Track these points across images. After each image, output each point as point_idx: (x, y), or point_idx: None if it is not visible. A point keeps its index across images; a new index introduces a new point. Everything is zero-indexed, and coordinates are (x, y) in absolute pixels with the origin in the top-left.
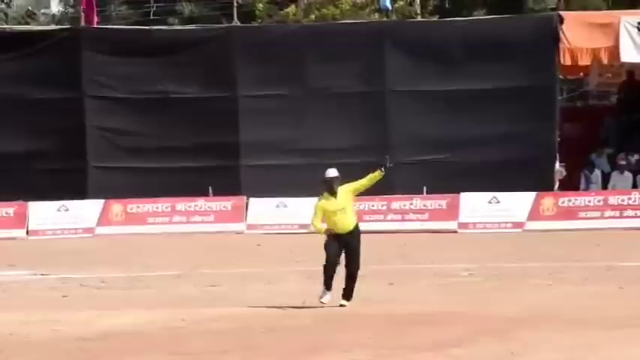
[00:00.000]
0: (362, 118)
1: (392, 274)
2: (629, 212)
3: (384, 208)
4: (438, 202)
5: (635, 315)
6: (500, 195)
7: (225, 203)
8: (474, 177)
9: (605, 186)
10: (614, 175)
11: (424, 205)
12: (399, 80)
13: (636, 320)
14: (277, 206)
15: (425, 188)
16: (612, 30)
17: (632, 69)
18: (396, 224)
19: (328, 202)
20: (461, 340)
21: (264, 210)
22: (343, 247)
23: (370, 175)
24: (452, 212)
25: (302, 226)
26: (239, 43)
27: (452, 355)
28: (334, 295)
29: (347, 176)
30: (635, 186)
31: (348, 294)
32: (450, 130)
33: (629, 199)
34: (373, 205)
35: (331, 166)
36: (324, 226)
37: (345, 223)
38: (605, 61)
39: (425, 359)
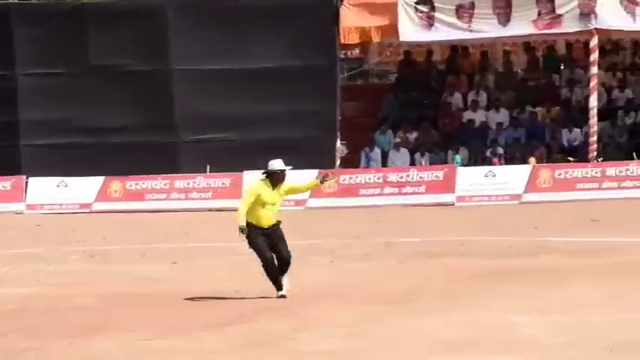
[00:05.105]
0: (146, 96)
1: (174, 254)
2: (408, 189)
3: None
4: (222, 179)
5: (412, 289)
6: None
7: (4, 183)
8: (257, 155)
9: (385, 164)
10: (392, 152)
11: (207, 184)
12: (181, 58)
13: (413, 295)
14: (58, 186)
15: (208, 167)
16: (391, 9)
17: (409, 49)
18: (181, 203)
19: (266, 192)
20: (244, 318)
21: (44, 189)
22: (269, 239)
23: (309, 182)
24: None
25: (83, 205)
26: (17, 20)
27: (235, 333)
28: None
29: (130, 156)
30: (412, 163)
31: (283, 271)
32: (233, 108)
33: (408, 175)
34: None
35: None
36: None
37: (270, 217)
38: (377, 39)
39: (208, 337)
